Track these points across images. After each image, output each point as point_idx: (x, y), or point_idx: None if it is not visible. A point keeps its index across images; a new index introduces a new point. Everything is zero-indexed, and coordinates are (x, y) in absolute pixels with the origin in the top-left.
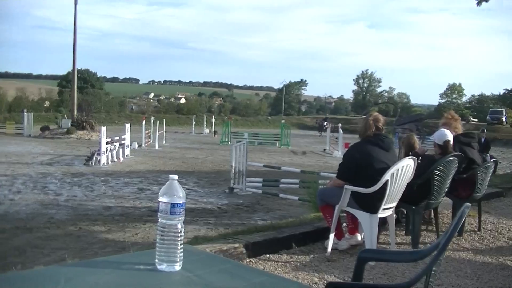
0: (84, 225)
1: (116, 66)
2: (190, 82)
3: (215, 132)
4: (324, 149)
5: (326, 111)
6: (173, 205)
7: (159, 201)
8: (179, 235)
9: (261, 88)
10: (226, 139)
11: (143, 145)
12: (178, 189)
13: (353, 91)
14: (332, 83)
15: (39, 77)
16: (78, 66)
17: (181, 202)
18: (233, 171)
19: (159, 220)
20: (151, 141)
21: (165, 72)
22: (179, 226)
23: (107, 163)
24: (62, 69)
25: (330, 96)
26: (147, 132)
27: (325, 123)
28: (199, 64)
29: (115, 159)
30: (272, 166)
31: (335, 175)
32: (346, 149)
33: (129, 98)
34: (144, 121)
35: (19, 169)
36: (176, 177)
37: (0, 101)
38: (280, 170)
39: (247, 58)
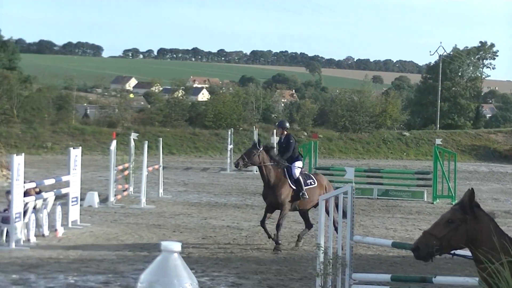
0: None
1: (44, 18)
2: (221, 52)
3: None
4: None
5: None
6: None
7: None
8: None
9: (385, 65)
10: None
11: (111, 199)
12: (182, 273)
13: None
14: None
15: None
16: None
17: None
18: (321, 257)
19: None
20: (131, 188)
21: (158, 31)
22: None
23: (28, 240)
24: None
25: None
26: (120, 168)
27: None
28: (240, 10)
29: (46, 232)
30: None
31: None
32: None
33: (79, 90)
34: (114, 142)
35: None
36: (176, 246)
37: None
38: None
39: None
